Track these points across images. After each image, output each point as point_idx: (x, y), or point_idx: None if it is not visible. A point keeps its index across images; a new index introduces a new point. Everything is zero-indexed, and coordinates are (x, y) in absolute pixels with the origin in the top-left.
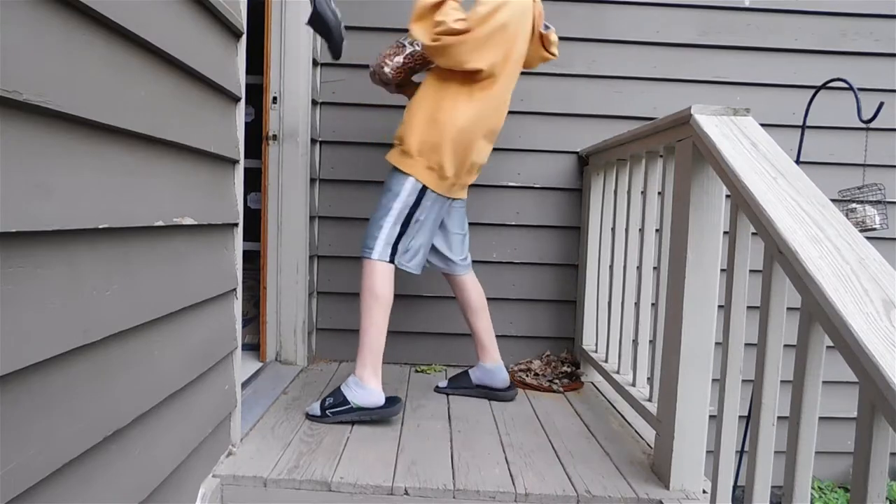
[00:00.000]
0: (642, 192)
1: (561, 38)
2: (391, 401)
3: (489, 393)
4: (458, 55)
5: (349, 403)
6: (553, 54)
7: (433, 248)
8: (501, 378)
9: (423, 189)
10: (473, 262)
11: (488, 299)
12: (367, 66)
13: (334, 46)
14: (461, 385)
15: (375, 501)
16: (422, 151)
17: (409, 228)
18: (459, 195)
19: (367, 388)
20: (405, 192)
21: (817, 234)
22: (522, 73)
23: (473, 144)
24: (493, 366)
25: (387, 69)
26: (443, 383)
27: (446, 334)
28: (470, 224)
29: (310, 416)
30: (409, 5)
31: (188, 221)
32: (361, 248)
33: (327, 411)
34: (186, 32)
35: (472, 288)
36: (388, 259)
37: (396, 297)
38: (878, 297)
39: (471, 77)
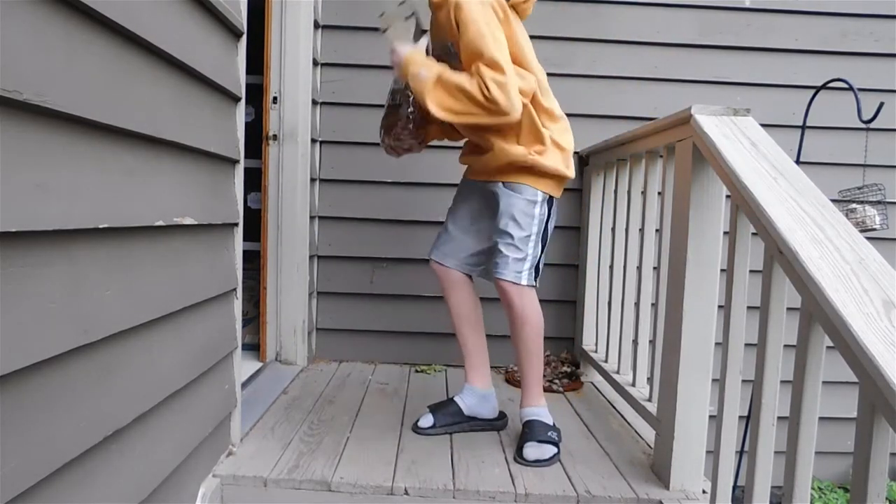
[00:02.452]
0: (642, 192)
1: (561, 38)
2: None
3: (481, 424)
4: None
5: (549, 423)
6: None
7: (479, 253)
8: (493, 406)
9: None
10: None
11: (489, 299)
12: (367, 67)
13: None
14: (451, 420)
15: (375, 501)
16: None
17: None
18: None
19: (541, 405)
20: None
21: (817, 235)
22: None
23: None
24: (488, 392)
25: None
26: (426, 420)
27: (446, 334)
28: None
29: (546, 461)
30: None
31: (188, 221)
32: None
33: (560, 445)
34: (187, 32)
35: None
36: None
37: (397, 296)
38: (878, 297)
39: None
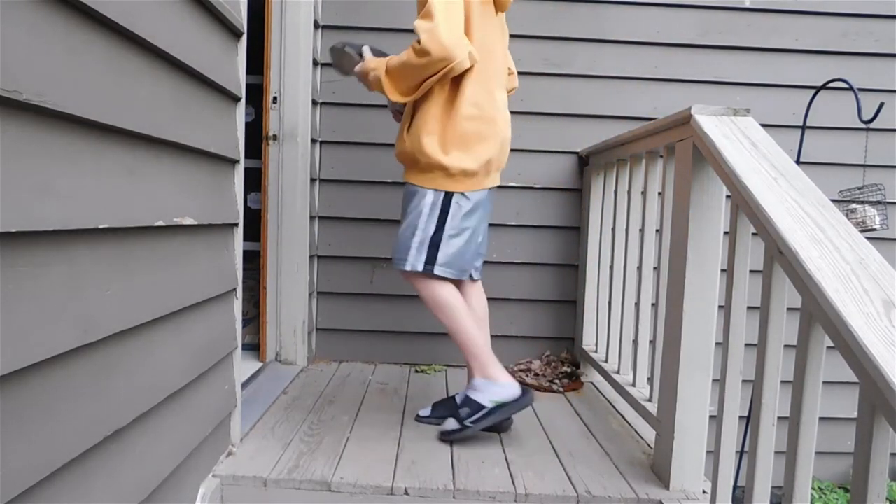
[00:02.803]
0: (642, 193)
1: (561, 38)
2: (524, 391)
3: None
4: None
5: (487, 405)
6: None
7: None
8: None
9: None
10: None
11: (489, 299)
12: None
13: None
14: (447, 414)
15: (375, 501)
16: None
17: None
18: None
19: (500, 383)
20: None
21: (817, 235)
22: (522, 73)
23: None
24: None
25: None
26: (425, 411)
27: (446, 334)
28: None
29: (447, 434)
30: (404, 5)
31: (188, 221)
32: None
33: (466, 422)
34: (187, 32)
35: (480, 296)
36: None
37: (397, 296)
38: (878, 297)
39: None
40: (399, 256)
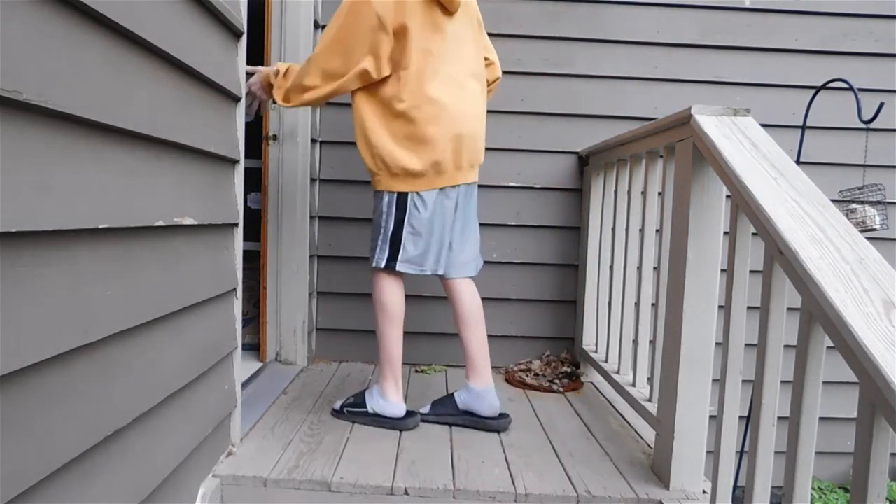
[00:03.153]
0: (642, 193)
1: (562, 39)
2: (409, 414)
3: (477, 421)
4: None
5: (366, 408)
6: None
7: None
8: (490, 404)
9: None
10: None
11: (489, 299)
12: None
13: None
14: (444, 411)
15: (375, 501)
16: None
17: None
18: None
19: (387, 399)
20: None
21: (817, 235)
22: (522, 74)
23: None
24: (482, 389)
25: None
26: (425, 408)
27: (446, 334)
28: None
29: (332, 411)
30: None
31: (188, 221)
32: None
33: (345, 409)
34: (187, 32)
35: (467, 295)
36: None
37: None
38: (878, 297)
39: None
40: (370, 256)
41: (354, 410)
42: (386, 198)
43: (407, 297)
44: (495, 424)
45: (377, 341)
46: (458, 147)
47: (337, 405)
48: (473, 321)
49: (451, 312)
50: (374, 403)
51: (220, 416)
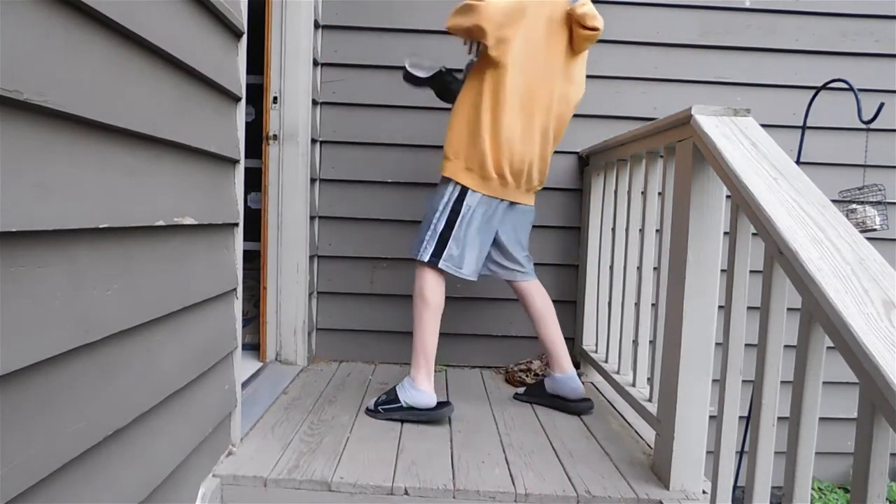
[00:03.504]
0: (642, 193)
1: None
2: (441, 405)
3: (562, 404)
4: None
5: (400, 402)
6: (592, 28)
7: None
8: (572, 388)
9: (465, 190)
10: None
11: (489, 299)
12: (367, 67)
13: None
14: (535, 394)
15: (375, 501)
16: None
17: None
18: (516, 198)
19: (419, 389)
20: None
21: (818, 235)
22: None
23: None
24: (561, 376)
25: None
26: (521, 389)
27: (446, 334)
28: None
29: (367, 411)
30: (404, 6)
31: (188, 221)
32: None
33: (380, 407)
34: (187, 32)
35: (535, 294)
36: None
37: (397, 296)
38: (878, 297)
39: (494, 75)
40: (418, 248)
41: (390, 407)
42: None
43: (407, 296)
44: (576, 407)
45: (414, 333)
46: (519, 170)
47: (370, 404)
48: (542, 316)
49: (450, 312)
50: (406, 396)
51: (220, 416)
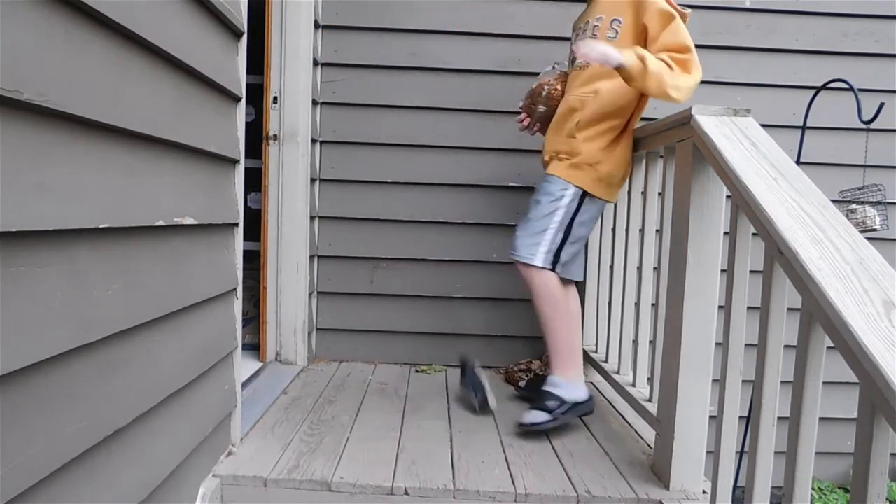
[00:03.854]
0: (643, 193)
1: (562, 39)
2: (589, 396)
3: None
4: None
5: (567, 402)
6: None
7: None
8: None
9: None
10: (476, 262)
11: (489, 299)
12: (367, 67)
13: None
14: (538, 389)
15: (375, 501)
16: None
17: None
18: None
19: (578, 387)
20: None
21: (818, 235)
22: (522, 74)
23: None
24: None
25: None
26: (523, 382)
27: (446, 334)
28: (471, 224)
29: (536, 426)
30: (404, 6)
31: (188, 221)
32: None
33: (556, 412)
34: (187, 32)
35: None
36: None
37: (397, 296)
38: (878, 297)
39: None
40: (527, 253)
41: (563, 411)
42: (571, 192)
43: (407, 296)
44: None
45: (551, 338)
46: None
47: (536, 419)
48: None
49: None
50: (568, 394)
51: (220, 416)
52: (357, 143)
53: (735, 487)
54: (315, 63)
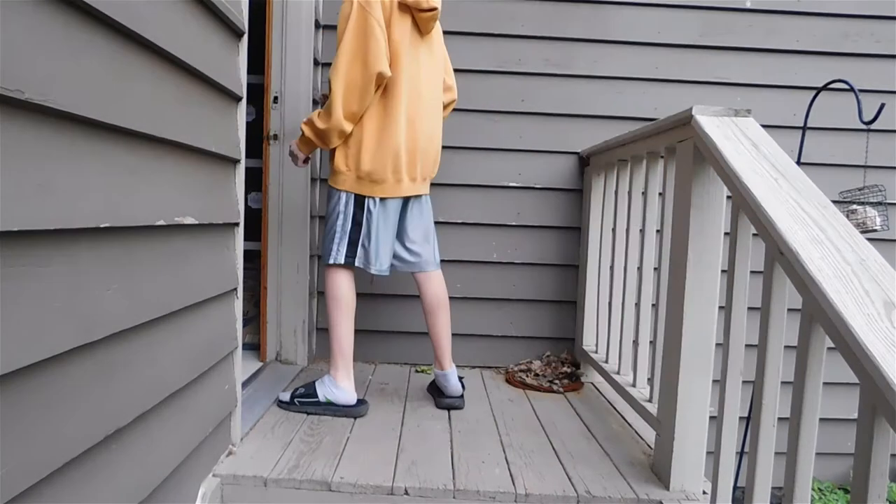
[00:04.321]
0: (643, 193)
1: (562, 39)
2: (360, 402)
3: (437, 399)
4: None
5: (318, 397)
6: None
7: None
8: (454, 385)
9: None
10: (476, 262)
11: (489, 299)
12: None
13: None
14: (433, 393)
15: (375, 501)
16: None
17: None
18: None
19: (340, 388)
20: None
21: (818, 235)
22: (522, 74)
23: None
24: (441, 372)
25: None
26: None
27: None
28: (471, 224)
29: (279, 403)
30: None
31: (189, 221)
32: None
33: (296, 399)
34: (188, 32)
35: (429, 287)
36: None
37: (397, 296)
38: (878, 297)
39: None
40: (325, 252)
41: (307, 401)
42: (344, 197)
43: (407, 296)
44: (442, 402)
45: (330, 332)
46: (413, 160)
47: (284, 396)
48: (443, 310)
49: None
50: (326, 392)
51: (220, 416)
52: None
53: (735, 487)
54: (315, 63)
